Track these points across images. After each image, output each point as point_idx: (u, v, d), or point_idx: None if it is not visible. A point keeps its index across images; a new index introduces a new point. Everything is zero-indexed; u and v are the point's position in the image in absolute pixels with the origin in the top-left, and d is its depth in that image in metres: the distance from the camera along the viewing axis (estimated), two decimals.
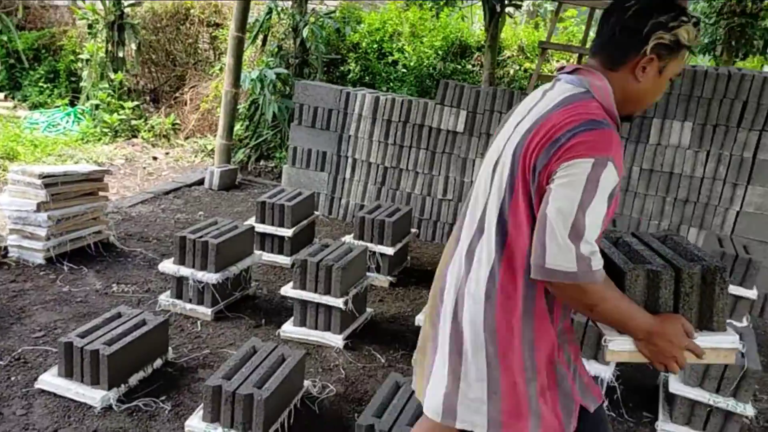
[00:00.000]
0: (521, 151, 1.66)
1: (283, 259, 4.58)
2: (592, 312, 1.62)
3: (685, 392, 2.95)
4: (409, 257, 4.94)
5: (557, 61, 8.55)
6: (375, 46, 8.44)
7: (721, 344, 1.66)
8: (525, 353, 1.68)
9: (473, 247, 1.74)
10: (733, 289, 3.83)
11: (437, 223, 5.65)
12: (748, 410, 2.88)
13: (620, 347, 1.66)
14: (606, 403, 3.09)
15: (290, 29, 7.73)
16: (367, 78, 8.38)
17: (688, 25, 1.64)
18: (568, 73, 1.74)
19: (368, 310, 3.92)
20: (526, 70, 8.25)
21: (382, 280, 4.48)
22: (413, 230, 4.92)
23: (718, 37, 7.38)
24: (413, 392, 2.59)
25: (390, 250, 4.40)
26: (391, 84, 8.32)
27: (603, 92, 1.66)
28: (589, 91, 1.66)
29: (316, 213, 5.02)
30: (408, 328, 3.85)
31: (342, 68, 8.47)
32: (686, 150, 4.79)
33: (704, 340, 1.64)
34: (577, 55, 7.34)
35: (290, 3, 7.75)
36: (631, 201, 5.00)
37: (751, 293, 3.82)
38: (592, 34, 10.49)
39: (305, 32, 7.39)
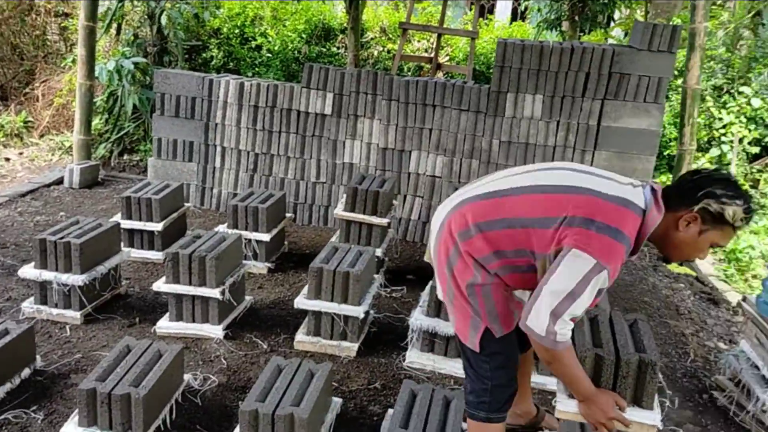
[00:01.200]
0: (551, 194, 2.04)
1: (155, 255, 4.45)
2: (549, 365, 2.06)
3: None
4: (286, 242, 4.95)
5: (419, 41, 8.78)
6: (237, 31, 8.27)
7: (645, 420, 2.15)
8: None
9: None
10: None
11: (312, 206, 5.68)
12: None
13: (565, 408, 2.18)
14: None
15: (146, 16, 7.40)
16: (231, 64, 8.21)
17: (738, 208, 1.93)
18: (652, 190, 2.04)
19: (247, 298, 3.90)
20: (389, 51, 8.41)
21: (259, 267, 4.46)
22: (288, 215, 4.92)
23: (562, 14, 7.86)
24: (295, 373, 2.64)
25: (266, 237, 4.39)
26: (257, 69, 8.21)
27: (651, 221, 1.98)
28: (644, 211, 1.99)
29: (186, 205, 4.90)
30: (289, 312, 3.87)
31: (204, 55, 8.24)
32: (539, 121, 5.11)
33: (633, 414, 2.14)
34: (436, 35, 7.57)
35: None
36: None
37: None
38: (449, 14, 10.85)
39: (162, 19, 7.11)
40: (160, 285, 3.49)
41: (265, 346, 3.48)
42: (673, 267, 5.42)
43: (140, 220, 4.40)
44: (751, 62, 7.95)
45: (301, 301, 3.40)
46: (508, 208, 2.08)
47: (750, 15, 8.70)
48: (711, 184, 1.95)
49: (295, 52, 8.23)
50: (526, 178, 2.15)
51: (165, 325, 3.51)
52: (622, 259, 1.96)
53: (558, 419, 2.56)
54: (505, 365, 2.20)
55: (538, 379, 3.23)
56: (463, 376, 2.43)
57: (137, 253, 4.44)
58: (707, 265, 5.59)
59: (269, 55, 8.20)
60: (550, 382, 3.19)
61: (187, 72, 5.97)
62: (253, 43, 8.28)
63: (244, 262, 3.93)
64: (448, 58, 8.46)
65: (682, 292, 4.93)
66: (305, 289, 3.46)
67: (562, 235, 1.96)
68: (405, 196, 5.51)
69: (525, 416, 2.87)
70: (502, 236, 2.07)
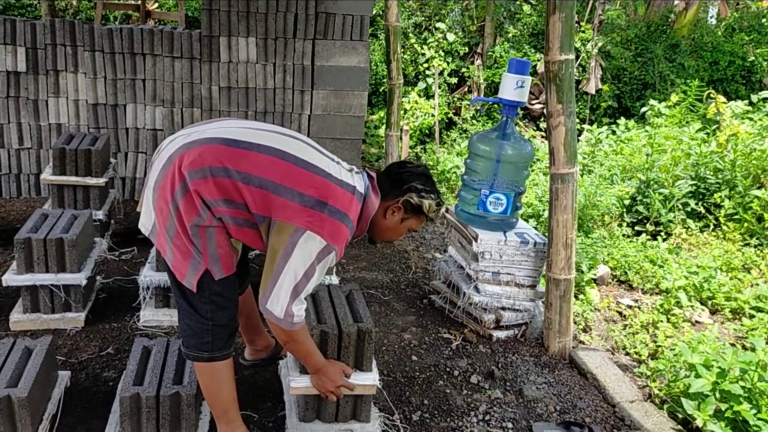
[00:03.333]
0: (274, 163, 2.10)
1: None
2: (286, 345, 2.24)
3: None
4: None
5: None
6: None
7: (366, 382, 2.41)
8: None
9: None
10: None
11: (20, 176, 5.11)
12: (333, 279, 3.36)
13: (298, 384, 2.36)
14: None
15: None
16: None
17: (433, 201, 2.26)
18: (369, 177, 2.27)
19: None
20: (91, 0, 7.71)
21: None
22: None
23: None
24: (9, 354, 2.42)
25: None
26: None
27: (371, 207, 2.21)
28: (365, 197, 2.20)
29: None
30: (0, 293, 3.48)
31: None
32: (255, 65, 5.12)
33: (357, 378, 2.40)
34: None
35: None
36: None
37: None
38: None
39: None
40: None
41: None
42: None
43: None
44: (444, 0, 8.76)
45: (11, 278, 3.08)
46: (251, 162, 2.06)
47: None
48: (413, 179, 2.25)
49: None
50: (268, 138, 2.15)
51: None
52: (347, 241, 2.16)
53: None
54: (226, 306, 2.24)
55: None
56: None
57: None
58: None
59: None
60: None
61: None
62: None
63: None
64: (156, 5, 8.01)
65: None
66: (14, 265, 3.14)
67: (297, 213, 2.05)
68: (126, 154, 5.20)
69: (266, 349, 2.97)
70: (238, 188, 2.06)
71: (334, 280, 3.39)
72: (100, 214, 3.99)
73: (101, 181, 4.03)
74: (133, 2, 7.77)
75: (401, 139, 6.49)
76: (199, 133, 2.14)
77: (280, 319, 2.08)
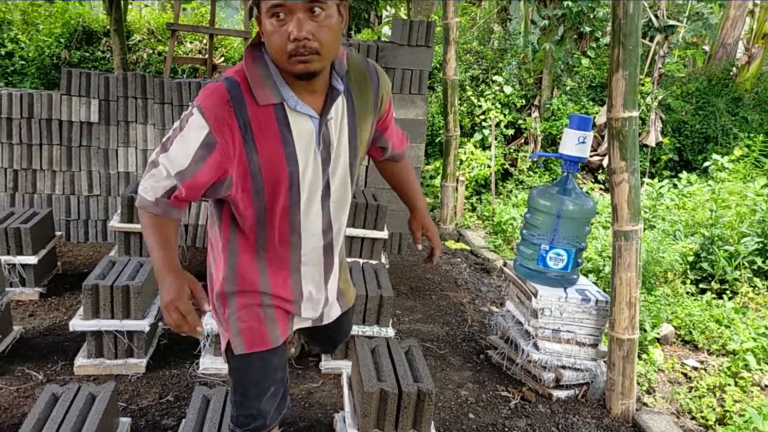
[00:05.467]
0: None
1: None
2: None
3: None
4: (59, 263, 4.57)
5: (191, 42, 8.53)
6: None
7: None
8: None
9: None
10: (369, 233, 4.36)
11: (88, 221, 5.30)
12: (390, 332, 3.35)
13: None
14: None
15: None
16: None
17: None
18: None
19: (15, 328, 3.55)
20: (160, 53, 8.08)
21: (29, 293, 4.08)
22: (58, 233, 4.55)
23: None
24: (73, 400, 2.47)
25: (33, 259, 4.02)
26: (10, 78, 7.44)
27: (243, 62, 1.67)
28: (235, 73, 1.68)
29: None
30: (66, 337, 3.59)
31: None
32: None
33: None
34: (206, 36, 7.41)
35: None
36: None
37: (383, 234, 4.40)
38: (222, 14, 10.66)
39: None
40: None
41: (40, 377, 3.19)
42: (450, 243, 5.87)
43: None
44: (501, 53, 8.84)
45: (78, 323, 3.17)
46: None
47: (497, 10, 9.67)
48: None
49: (54, 58, 7.58)
50: None
51: None
52: (222, 92, 1.62)
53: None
54: (247, 396, 1.95)
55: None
56: None
57: None
58: (479, 239, 6.13)
59: (23, 62, 7.46)
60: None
61: None
62: (3, 51, 7.48)
63: (8, 289, 3.57)
64: (223, 58, 8.33)
65: (460, 266, 5.37)
66: (81, 310, 3.23)
67: None
68: (190, 203, 5.35)
69: None
70: None
71: (390, 332, 3.37)
72: None
73: None
74: (200, 56, 8.11)
75: (457, 189, 6.50)
76: None
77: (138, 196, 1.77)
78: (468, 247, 5.91)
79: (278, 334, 1.95)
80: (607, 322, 3.30)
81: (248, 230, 1.84)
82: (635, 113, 3.03)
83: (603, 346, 3.42)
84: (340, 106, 1.76)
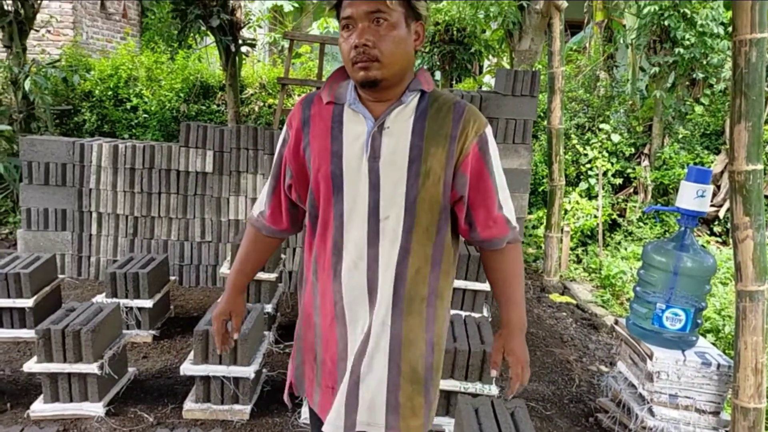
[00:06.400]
0: None
1: (27, 333, 4.15)
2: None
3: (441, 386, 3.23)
4: (172, 307, 4.77)
5: (299, 95, 8.86)
6: (110, 92, 8.04)
7: None
8: None
9: None
10: (470, 285, 4.29)
11: (199, 267, 5.54)
12: (493, 390, 3.24)
13: None
14: None
15: (8, 83, 7.05)
16: (105, 127, 7.95)
17: None
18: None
19: (130, 369, 3.71)
20: (270, 106, 8.44)
21: (143, 335, 4.27)
22: (173, 278, 4.76)
23: (434, 64, 8.23)
24: None
25: (148, 303, 4.22)
26: (134, 131, 7.99)
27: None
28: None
29: (60, 276, 4.63)
30: (176, 381, 3.71)
31: (76, 119, 7.93)
32: None
33: None
34: (314, 88, 7.68)
35: (5, 55, 7.08)
36: None
37: (485, 286, 4.31)
38: (328, 67, 11.05)
39: (27, 84, 6.80)
40: (32, 365, 3.25)
41: (151, 419, 3.31)
42: (555, 297, 5.68)
43: (8, 297, 4.11)
44: (608, 101, 8.62)
45: (188, 367, 3.27)
46: None
47: (603, 58, 9.48)
48: None
49: (173, 111, 8.09)
50: None
51: (39, 408, 3.26)
52: (297, 108, 1.76)
53: None
54: None
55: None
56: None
57: (7, 333, 4.13)
58: (586, 293, 5.90)
59: (146, 115, 8.01)
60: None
61: (56, 137, 5.72)
62: (128, 105, 8.06)
63: (125, 331, 3.75)
64: None
65: (565, 321, 5.16)
66: (191, 354, 3.34)
67: None
68: (294, 249, 5.48)
69: None
70: None
71: (493, 390, 3.26)
72: (269, 308, 4.18)
73: (272, 276, 4.25)
74: None
75: (561, 240, 6.30)
76: None
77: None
78: (573, 301, 5.68)
79: (318, 402, 1.80)
80: (730, 389, 3.05)
81: (308, 247, 1.81)
82: (759, 166, 2.84)
83: (725, 415, 3.16)
84: (404, 119, 1.65)
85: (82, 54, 8.62)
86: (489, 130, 1.70)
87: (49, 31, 8.12)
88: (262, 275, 4.23)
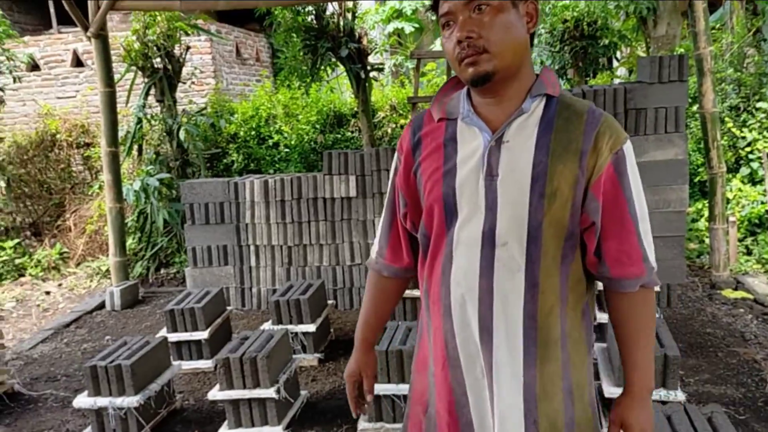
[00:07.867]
0: None
1: (205, 363, 4.42)
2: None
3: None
4: (332, 330, 4.90)
5: None
6: (253, 132, 8.50)
7: None
8: None
9: None
10: None
11: (352, 289, 5.66)
12: (679, 396, 3.01)
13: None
14: None
15: (164, 134, 7.67)
16: (251, 165, 8.40)
17: None
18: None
19: (302, 392, 3.83)
20: (402, 127, 8.55)
21: (310, 359, 4.41)
22: (330, 302, 4.90)
23: (566, 62, 7.97)
24: None
25: (311, 327, 4.35)
26: (277, 165, 8.38)
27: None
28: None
29: (228, 308, 4.90)
30: (347, 401, 3.77)
31: (225, 160, 8.46)
32: None
33: None
34: None
35: (158, 109, 7.71)
36: None
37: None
38: None
39: (181, 134, 7.35)
40: (215, 393, 3.44)
41: None
42: (728, 293, 5.25)
43: (186, 330, 4.40)
44: (761, 78, 7.92)
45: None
46: None
47: (751, 33, 8.74)
48: None
49: (312, 142, 8.41)
50: None
51: None
52: (409, 125, 1.65)
53: None
54: None
55: None
56: None
57: (187, 365, 4.42)
58: (763, 286, 5.40)
59: (287, 150, 8.39)
60: None
61: (211, 179, 6.11)
62: (270, 141, 8.49)
63: (293, 356, 3.89)
64: None
65: (744, 317, 4.74)
66: None
67: None
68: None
69: None
70: None
71: (680, 396, 3.03)
72: None
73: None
74: None
75: (728, 231, 5.82)
76: None
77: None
78: (750, 296, 5.21)
79: None
80: None
81: (420, 280, 1.62)
82: None
83: None
84: (527, 131, 1.44)
85: (224, 99, 9.21)
86: (629, 147, 1.44)
87: (193, 83, 8.74)
88: (416, 292, 4.23)
